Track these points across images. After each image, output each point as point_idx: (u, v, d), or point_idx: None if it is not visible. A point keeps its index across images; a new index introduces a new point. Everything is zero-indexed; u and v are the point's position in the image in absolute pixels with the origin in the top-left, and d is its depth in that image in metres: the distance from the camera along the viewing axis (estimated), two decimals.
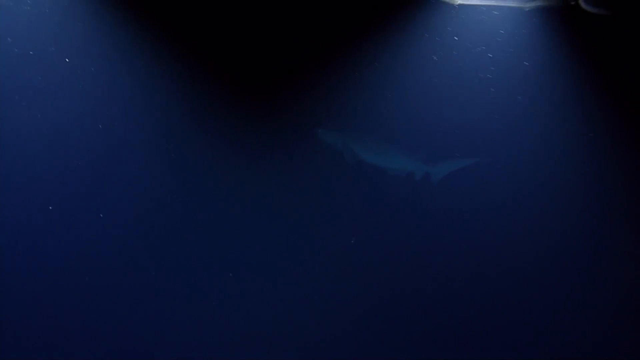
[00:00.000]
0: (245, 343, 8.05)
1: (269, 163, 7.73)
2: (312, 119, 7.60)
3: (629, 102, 6.90)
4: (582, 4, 6.03)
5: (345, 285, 8.09)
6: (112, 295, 7.79)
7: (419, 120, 7.50)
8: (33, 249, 7.54)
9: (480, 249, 7.95)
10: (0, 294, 7.42)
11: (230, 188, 7.94)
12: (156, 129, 7.55)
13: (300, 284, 8.04)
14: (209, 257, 8.03)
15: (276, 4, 6.84)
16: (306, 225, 8.07)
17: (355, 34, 7.03)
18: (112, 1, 6.55)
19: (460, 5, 6.46)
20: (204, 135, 7.68)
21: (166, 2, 6.65)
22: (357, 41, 7.09)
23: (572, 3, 6.13)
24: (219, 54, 7.17)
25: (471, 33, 6.77)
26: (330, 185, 7.95)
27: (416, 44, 6.90)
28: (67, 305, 7.72)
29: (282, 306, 8.09)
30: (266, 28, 6.99)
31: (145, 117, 7.45)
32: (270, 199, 7.94)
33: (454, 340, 8.06)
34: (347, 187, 7.99)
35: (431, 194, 7.83)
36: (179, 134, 7.65)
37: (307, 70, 7.32)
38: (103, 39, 6.85)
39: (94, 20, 6.71)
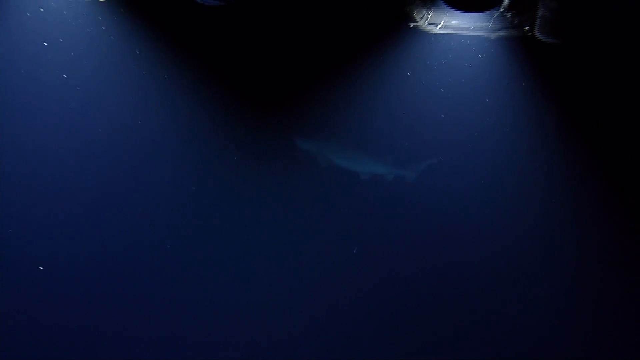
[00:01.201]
0: (243, 342, 8.12)
1: (267, 166, 8.11)
2: (295, 128, 8.11)
3: (575, 116, 7.65)
4: (537, 34, 6.59)
5: (335, 282, 8.31)
6: (114, 295, 7.84)
7: (390, 131, 8.12)
8: (41, 250, 7.57)
9: (458, 245, 8.36)
10: (13, 293, 7.40)
11: (228, 188, 8.23)
12: (156, 134, 7.77)
13: (290, 280, 8.25)
14: (209, 258, 8.22)
15: (273, 32, 7.39)
16: (301, 224, 8.35)
17: (342, 57, 7.56)
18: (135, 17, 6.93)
19: (437, 34, 7.07)
20: (205, 141, 7.99)
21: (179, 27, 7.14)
22: (344, 62, 7.61)
23: (529, 34, 6.69)
24: (222, 73, 7.60)
25: (445, 57, 7.39)
26: (320, 187, 8.33)
27: (396, 65, 7.50)
28: (78, 305, 7.77)
29: (274, 303, 8.18)
30: (264, 52, 7.56)
31: (150, 124, 7.70)
32: (265, 198, 8.25)
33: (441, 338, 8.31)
34: (335, 188, 8.37)
35: (405, 196, 8.33)
36: (180, 138, 7.92)
37: (298, 88, 7.83)
38: (124, 49, 7.17)
39: (116, 29, 7.02)
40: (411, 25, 6.97)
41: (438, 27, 7.00)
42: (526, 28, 6.72)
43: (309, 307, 8.26)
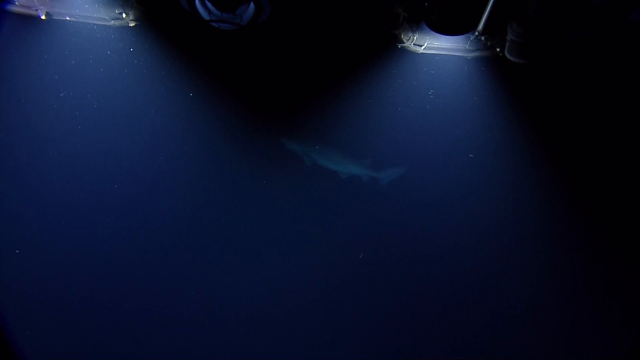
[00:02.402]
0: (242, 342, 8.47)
1: (270, 170, 8.64)
2: (287, 132, 8.59)
3: (539, 125, 8.18)
4: (507, 55, 6.90)
5: (332, 281, 8.77)
6: (116, 294, 8.25)
7: (370, 137, 8.66)
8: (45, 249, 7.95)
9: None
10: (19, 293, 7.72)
11: (238, 193, 8.72)
12: (158, 135, 8.23)
13: (288, 278, 8.68)
14: (212, 258, 8.64)
15: (278, 51, 7.89)
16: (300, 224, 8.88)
17: (338, 72, 8.05)
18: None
19: (421, 53, 7.41)
20: (220, 151, 8.49)
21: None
22: (340, 77, 8.11)
23: (500, 54, 7.03)
24: (234, 87, 8.13)
25: (428, 73, 7.79)
26: (317, 189, 8.88)
27: (385, 80, 7.95)
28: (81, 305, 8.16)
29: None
30: (270, 69, 8.07)
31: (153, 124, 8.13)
32: (265, 201, 8.74)
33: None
34: (332, 190, 8.89)
35: (395, 197, 8.84)
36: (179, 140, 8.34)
37: (298, 99, 8.43)
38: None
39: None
40: (399, 46, 7.38)
41: (422, 47, 7.34)
42: (497, 49, 7.11)
43: (307, 305, 8.69)
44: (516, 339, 8.67)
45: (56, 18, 6.64)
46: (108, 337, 8.16)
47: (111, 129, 7.92)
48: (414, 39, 7.26)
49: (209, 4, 6.17)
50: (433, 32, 6.66)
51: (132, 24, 6.92)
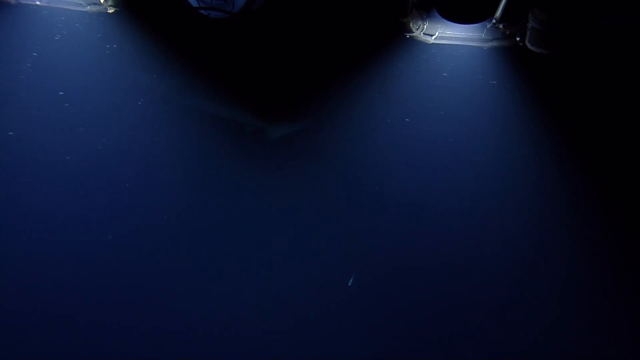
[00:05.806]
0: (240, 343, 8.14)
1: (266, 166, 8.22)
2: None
3: (563, 121, 7.70)
4: (528, 45, 6.70)
5: (332, 282, 8.33)
6: (110, 297, 7.90)
7: (374, 135, 8.11)
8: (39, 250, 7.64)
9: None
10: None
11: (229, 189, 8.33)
12: (155, 132, 7.84)
13: (289, 279, 8.31)
14: (207, 258, 8.26)
15: (274, 40, 7.50)
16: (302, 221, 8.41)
17: (337, 65, 7.65)
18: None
19: (432, 43, 7.18)
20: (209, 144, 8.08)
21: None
22: (338, 70, 7.69)
23: (521, 44, 6.82)
24: (226, 79, 7.73)
25: (440, 65, 7.43)
26: (316, 186, 8.38)
27: (392, 72, 7.57)
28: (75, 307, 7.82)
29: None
30: (266, 58, 7.65)
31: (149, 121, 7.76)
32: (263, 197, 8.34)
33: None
34: (334, 188, 8.41)
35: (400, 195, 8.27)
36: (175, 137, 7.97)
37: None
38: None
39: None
40: (407, 36, 7.11)
41: (433, 37, 7.13)
42: (517, 39, 6.87)
43: (306, 306, 8.33)
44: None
45: (25, 2, 6.18)
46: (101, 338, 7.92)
47: (91, 120, 7.47)
48: (424, 28, 7.04)
49: None
50: (445, 20, 6.43)
51: (111, 10, 6.50)
